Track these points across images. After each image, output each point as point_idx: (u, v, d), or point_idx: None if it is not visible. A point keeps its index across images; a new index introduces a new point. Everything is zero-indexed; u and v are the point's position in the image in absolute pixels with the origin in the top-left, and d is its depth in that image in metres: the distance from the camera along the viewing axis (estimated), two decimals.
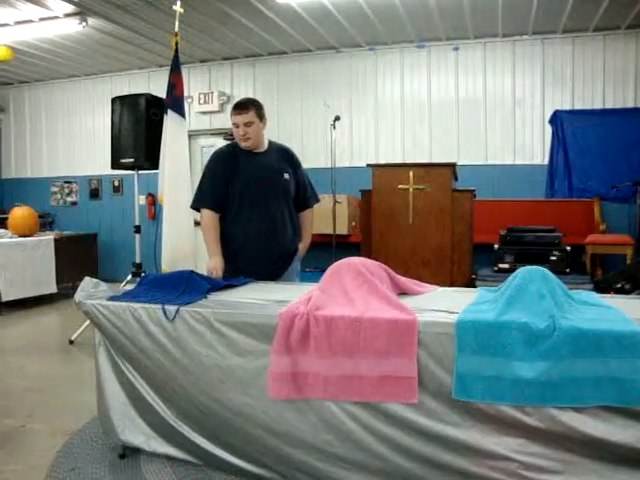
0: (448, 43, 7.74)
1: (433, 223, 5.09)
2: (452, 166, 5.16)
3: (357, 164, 7.63)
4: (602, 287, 5.81)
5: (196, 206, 3.62)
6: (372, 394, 2.19)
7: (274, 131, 8.32)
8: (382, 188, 5.22)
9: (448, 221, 5.07)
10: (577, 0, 6.25)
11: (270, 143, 3.72)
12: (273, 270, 3.55)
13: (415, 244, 5.11)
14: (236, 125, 3.51)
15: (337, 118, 6.06)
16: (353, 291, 2.44)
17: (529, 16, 6.80)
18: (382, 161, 7.53)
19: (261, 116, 3.58)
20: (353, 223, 7.11)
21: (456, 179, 5.38)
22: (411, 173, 5.11)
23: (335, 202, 6.09)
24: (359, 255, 4.94)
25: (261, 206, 3.53)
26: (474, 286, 5.18)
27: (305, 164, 7.85)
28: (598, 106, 7.31)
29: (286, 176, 3.65)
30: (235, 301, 2.65)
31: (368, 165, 5.50)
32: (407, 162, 7.32)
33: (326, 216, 6.08)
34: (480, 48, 7.69)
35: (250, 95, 8.50)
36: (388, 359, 2.17)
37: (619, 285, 5.71)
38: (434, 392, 2.16)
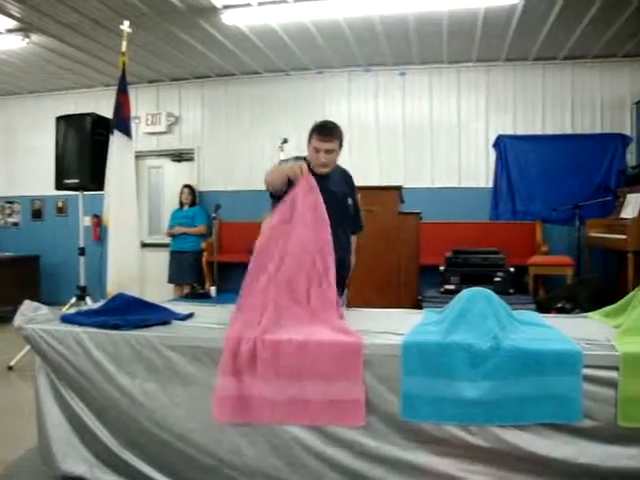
0: (395, 68, 7.90)
1: (380, 245, 5.15)
2: (398, 189, 5.25)
3: None
4: (544, 307, 5.97)
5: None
6: (320, 417, 2.19)
7: (223, 153, 8.35)
8: None
9: (395, 243, 5.15)
10: (517, 31, 6.50)
11: (336, 167, 3.54)
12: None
13: (363, 266, 5.13)
14: (316, 150, 3.31)
15: (285, 141, 6.09)
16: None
17: (473, 44, 7.02)
18: None
19: (342, 144, 3.43)
20: None
21: (402, 202, 5.46)
22: (359, 196, 5.17)
23: None
24: None
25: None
26: (420, 307, 5.24)
27: (252, 186, 8.06)
28: (538, 132, 7.57)
29: (349, 201, 3.53)
30: (181, 325, 2.62)
31: None
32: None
33: None
34: (426, 73, 7.87)
35: (198, 116, 8.51)
36: (335, 382, 2.17)
37: (560, 305, 5.87)
38: (382, 414, 2.18)
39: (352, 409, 2.15)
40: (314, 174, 3.23)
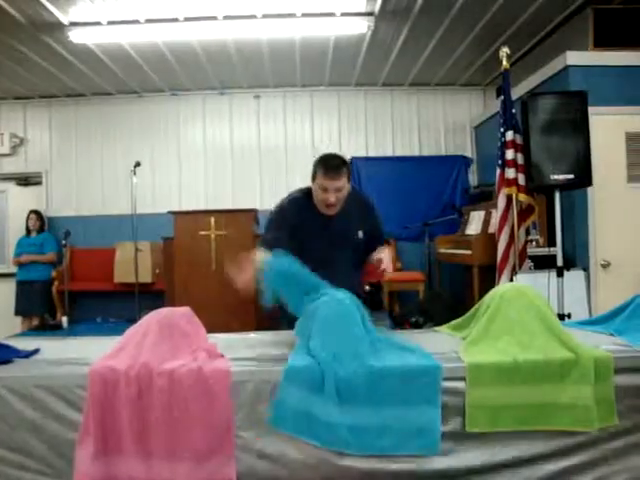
0: (249, 91, 7.97)
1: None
2: (253, 211, 5.27)
3: (160, 210, 7.21)
4: (399, 322, 6.21)
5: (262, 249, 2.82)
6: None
7: (73, 177, 7.99)
8: (183, 235, 5.20)
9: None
10: (366, 58, 6.82)
11: (348, 195, 3.05)
12: None
13: (219, 290, 5.10)
14: (324, 189, 2.89)
15: (137, 164, 5.95)
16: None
17: (325, 69, 7.25)
18: (185, 207, 7.44)
19: (349, 177, 3.01)
20: (157, 270, 6.95)
21: (258, 223, 5.49)
22: (212, 219, 5.16)
23: (137, 249, 5.92)
24: (163, 304, 4.85)
25: (329, 268, 2.72)
26: (280, 329, 5.27)
27: (105, 211, 7.79)
28: (389, 153, 7.92)
29: (360, 235, 3.08)
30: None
31: (169, 212, 5.44)
32: (209, 208, 7.30)
33: (128, 264, 5.89)
34: (280, 96, 8.01)
35: (46, 138, 8.09)
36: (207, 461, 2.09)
37: (414, 319, 6.12)
38: None
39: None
40: (318, 214, 3.01)
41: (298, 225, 2.97)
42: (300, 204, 3.04)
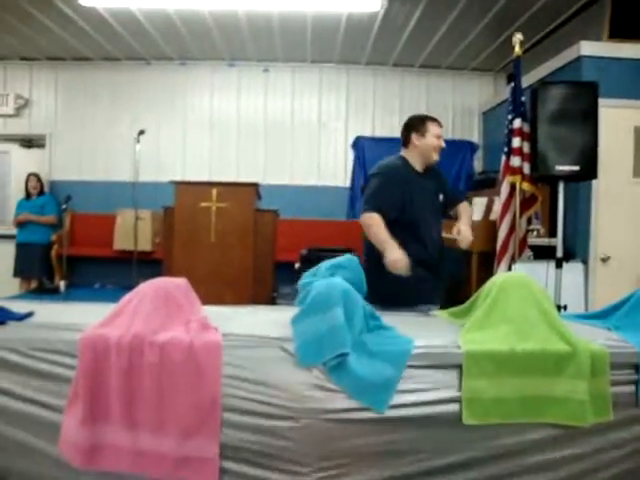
0: (258, 64, 7.90)
1: (235, 242, 5.13)
2: (255, 185, 5.25)
3: (163, 179, 7.04)
4: None
5: (368, 211, 3.19)
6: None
7: (77, 141, 7.95)
8: (184, 205, 5.18)
9: (250, 240, 5.14)
10: (378, 37, 6.74)
11: None
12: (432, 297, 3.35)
13: (217, 263, 5.11)
14: (438, 136, 3.34)
15: (142, 132, 5.91)
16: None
17: (335, 46, 7.17)
18: (189, 178, 7.38)
19: None
20: (157, 239, 6.94)
21: (259, 198, 5.47)
22: (214, 191, 5.13)
23: (137, 218, 5.90)
24: (161, 273, 4.84)
25: (428, 234, 3.30)
26: (275, 304, 5.29)
27: (107, 177, 7.76)
28: (396, 135, 7.79)
29: (441, 197, 3.47)
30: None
31: (171, 182, 5.41)
32: (211, 180, 7.20)
33: (128, 231, 5.88)
34: (289, 71, 7.93)
35: (51, 101, 8.05)
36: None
37: None
38: None
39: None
40: (416, 173, 3.34)
41: (405, 186, 3.23)
42: (400, 167, 3.32)
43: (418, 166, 3.35)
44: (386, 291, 3.01)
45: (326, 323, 2.10)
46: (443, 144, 3.36)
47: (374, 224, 3.13)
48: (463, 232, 3.30)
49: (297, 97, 7.95)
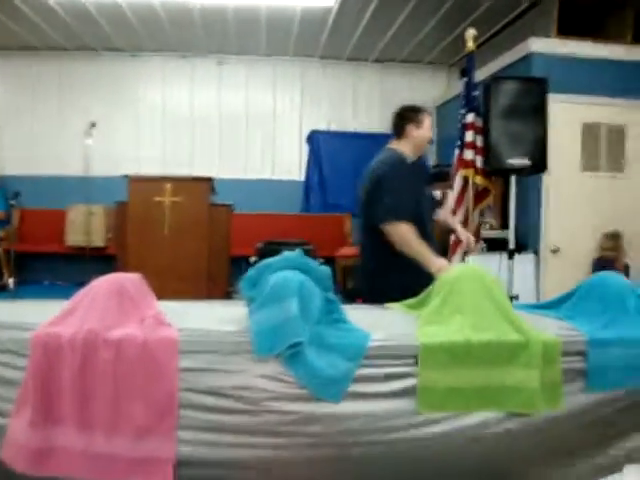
0: (212, 57, 7.82)
1: (190, 237, 5.06)
2: (209, 180, 5.19)
3: (115, 174, 6.76)
4: (350, 296, 6.24)
5: (396, 220, 3.07)
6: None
7: (26, 134, 7.73)
8: (138, 199, 5.08)
9: (205, 235, 5.08)
10: (332, 32, 6.77)
11: None
12: None
13: (171, 258, 5.03)
14: (430, 128, 3.30)
15: (93, 124, 5.80)
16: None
17: (289, 40, 7.15)
18: (143, 172, 7.24)
19: None
20: (109, 235, 6.81)
21: (214, 192, 5.41)
22: (168, 186, 5.04)
23: (89, 213, 5.78)
24: (114, 269, 4.76)
25: (428, 225, 3.26)
26: (231, 298, 5.26)
27: (58, 171, 7.56)
28: (350, 129, 7.89)
29: (427, 192, 3.48)
30: None
31: (124, 176, 5.32)
32: (166, 174, 7.06)
33: (80, 227, 5.76)
34: (243, 64, 7.88)
35: None
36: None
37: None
38: None
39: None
40: (412, 165, 3.26)
41: (415, 183, 3.21)
42: (404, 162, 3.22)
43: (411, 157, 3.28)
44: (395, 292, 2.92)
45: (282, 313, 2.10)
46: (432, 135, 3.39)
47: (410, 238, 3.04)
48: (469, 239, 3.47)
49: (251, 91, 7.91)
